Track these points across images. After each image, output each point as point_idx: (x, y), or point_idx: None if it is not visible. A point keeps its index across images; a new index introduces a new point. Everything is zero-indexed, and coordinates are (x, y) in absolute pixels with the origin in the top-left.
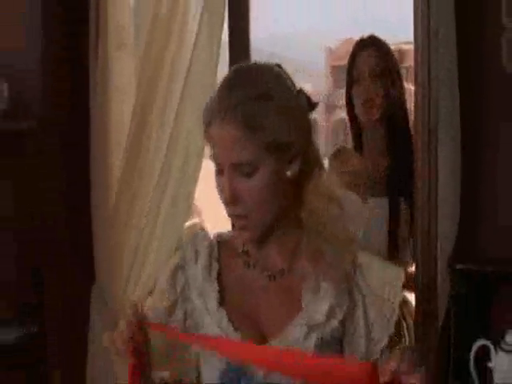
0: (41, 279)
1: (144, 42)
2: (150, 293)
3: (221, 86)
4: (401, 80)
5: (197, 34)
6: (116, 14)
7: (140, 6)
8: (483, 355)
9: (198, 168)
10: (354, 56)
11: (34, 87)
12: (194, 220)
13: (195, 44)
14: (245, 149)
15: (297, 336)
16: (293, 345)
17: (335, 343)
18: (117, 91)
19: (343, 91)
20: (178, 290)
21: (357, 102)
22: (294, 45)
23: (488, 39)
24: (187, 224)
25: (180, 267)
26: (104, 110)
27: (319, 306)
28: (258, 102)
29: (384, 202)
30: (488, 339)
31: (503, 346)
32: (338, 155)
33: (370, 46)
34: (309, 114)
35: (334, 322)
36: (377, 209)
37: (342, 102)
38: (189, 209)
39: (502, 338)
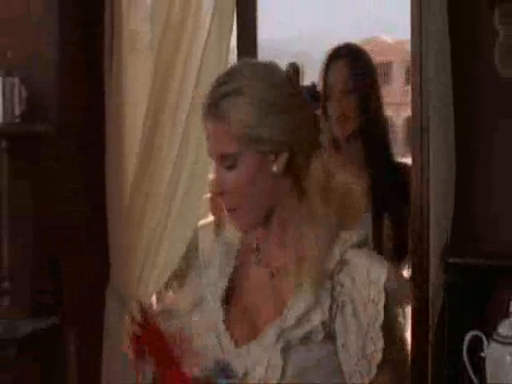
0: (58, 268)
1: (157, 45)
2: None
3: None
4: (377, 91)
5: (207, 36)
6: (130, 19)
7: (154, 12)
8: (476, 346)
9: (208, 168)
10: (326, 67)
11: (51, 90)
12: (210, 218)
13: (206, 45)
14: (223, 142)
15: (269, 341)
16: (266, 349)
17: (317, 347)
18: (131, 95)
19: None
20: (196, 290)
21: (331, 116)
22: (303, 45)
23: (481, 43)
24: (202, 222)
25: (198, 267)
26: (118, 113)
27: (295, 308)
28: (231, 97)
29: (367, 218)
30: (482, 331)
31: (495, 337)
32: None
33: (344, 56)
34: (307, 112)
35: (310, 325)
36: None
37: None
38: (200, 207)
39: (495, 329)
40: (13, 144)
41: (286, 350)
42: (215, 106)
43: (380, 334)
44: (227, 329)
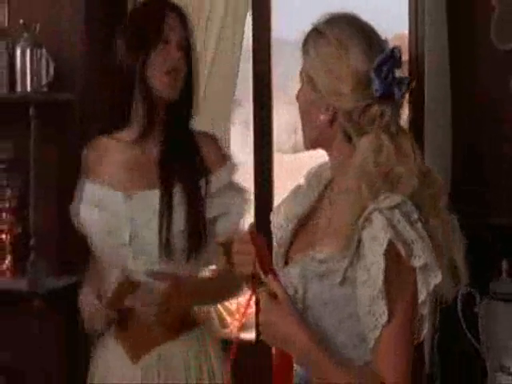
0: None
1: None
2: None
3: None
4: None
5: (221, 27)
6: None
7: None
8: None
9: (223, 135)
10: None
11: (76, 61)
12: None
13: (220, 36)
14: (303, 62)
15: (295, 269)
16: (293, 276)
17: (335, 288)
18: None
19: None
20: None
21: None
22: None
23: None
24: None
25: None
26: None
27: (322, 248)
28: (314, 36)
29: (153, 196)
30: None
31: (489, 293)
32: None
33: None
34: (362, 79)
35: (331, 266)
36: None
37: None
38: None
39: (487, 286)
40: (40, 112)
41: (306, 281)
42: (306, 37)
43: (382, 296)
44: (287, 250)
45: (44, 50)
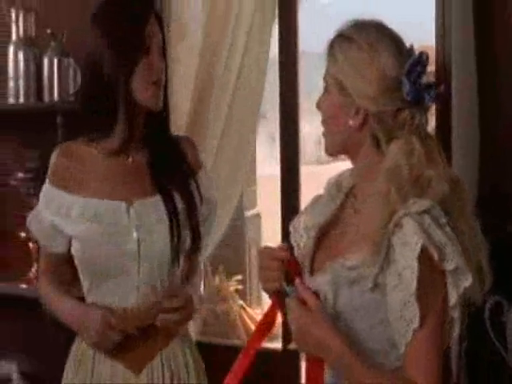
0: None
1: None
2: None
3: None
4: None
5: (249, 30)
6: (178, 12)
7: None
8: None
9: (247, 156)
10: None
11: None
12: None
13: (246, 48)
14: (326, 67)
15: (326, 276)
16: (323, 283)
17: (366, 294)
18: (178, 79)
19: None
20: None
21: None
22: None
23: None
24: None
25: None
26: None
27: (353, 256)
28: (341, 41)
29: (157, 203)
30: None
31: None
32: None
33: None
34: (393, 83)
35: (362, 272)
36: (149, 209)
37: None
38: (240, 197)
39: None
40: (67, 120)
41: (336, 288)
42: (331, 42)
43: (415, 300)
44: (312, 259)
45: (71, 59)
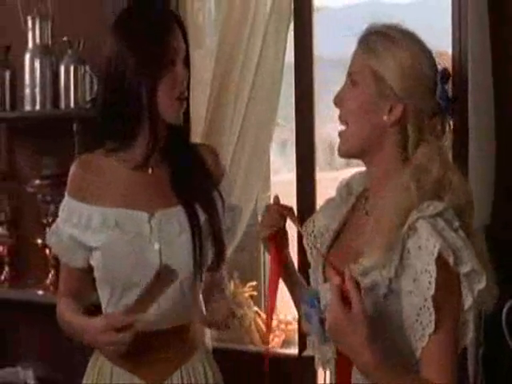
0: None
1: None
2: None
3: None
4: None
5: (264, 36)
6: (193, 16)
7: (217, 13)
8: None
9: (263, 160)
10: None
11: None
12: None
13: (261, 55)
14: (357, 60)
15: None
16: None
17: (380, 300)
18: (195, 84)
19: None
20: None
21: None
22: None
23: None
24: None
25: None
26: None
27: (366, 261)
28: (380, 37)
29: (179, 212)
30: None
31: None
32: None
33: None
34: (430, 84)
35: (375, 277)
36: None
37: None
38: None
39: None
40: (83, 127)
41: None
42: (365, 37)
43: (431, 305)
44: (324, 267)
45: (87, 67)
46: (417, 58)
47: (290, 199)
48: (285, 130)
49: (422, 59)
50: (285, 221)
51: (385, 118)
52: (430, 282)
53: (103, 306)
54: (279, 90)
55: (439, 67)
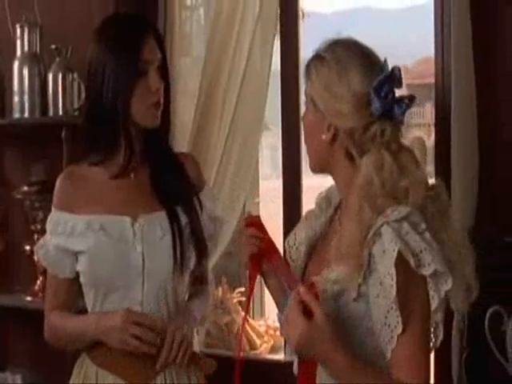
0: None
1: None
2: None
3: None
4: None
5: (251, 42)
6: (181, 25)
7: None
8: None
9: (251, 166)
10: None
11: None
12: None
13: (248, 60)
14: (308, 85)
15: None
16: None
17: (350, 305)
18: (182, 94)
19: (418, 109)
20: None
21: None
22: None
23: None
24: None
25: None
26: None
27: (335, 269)
28: (315, 61)
29: (161, 218)
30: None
31: None
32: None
33: None
34: (362, 99)
35: (345, 285)
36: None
37: (417, 120)
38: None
39: None
40: (72, 134)
41: (322, 301)
42: (308, 62)
43: (397, 307)
44: (303, 274)
45: (76, 74)
46: (344, 77)
47: (278, 206)
48: (276, 135)
49: (350, 76)
50: (261, 239)
51: (323, 137)
52: (391, 286)
53: (89, 310)
54: (266, 97)
55: (386, 70)
